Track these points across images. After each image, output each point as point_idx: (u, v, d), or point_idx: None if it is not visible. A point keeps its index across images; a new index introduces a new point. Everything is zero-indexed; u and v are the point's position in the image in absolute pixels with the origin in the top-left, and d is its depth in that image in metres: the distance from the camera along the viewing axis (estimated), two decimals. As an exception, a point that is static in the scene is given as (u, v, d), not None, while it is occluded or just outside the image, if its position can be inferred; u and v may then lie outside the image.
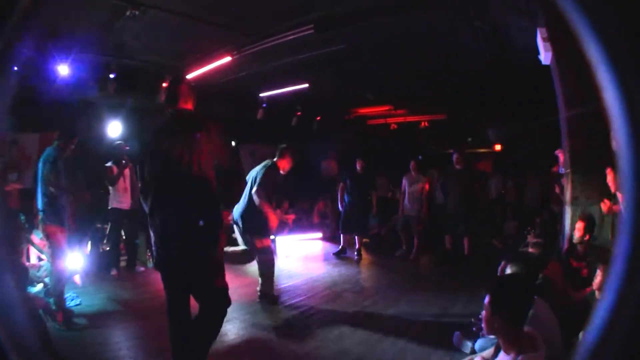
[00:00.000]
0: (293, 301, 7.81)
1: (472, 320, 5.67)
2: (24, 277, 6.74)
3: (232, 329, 6.41)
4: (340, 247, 11.91)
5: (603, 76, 1.05)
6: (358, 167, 11.54)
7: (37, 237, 8.34)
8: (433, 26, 8.21)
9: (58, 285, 6.42)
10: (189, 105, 4.38)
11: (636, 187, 1.08)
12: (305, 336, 6.23)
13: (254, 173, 7.41)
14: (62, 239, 6.51)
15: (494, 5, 7.08)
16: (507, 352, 3.10)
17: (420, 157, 12.56)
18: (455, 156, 10.96)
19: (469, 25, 7.84)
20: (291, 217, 9.72)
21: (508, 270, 4.26)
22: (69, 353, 5.53)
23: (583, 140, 6.18)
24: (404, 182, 11.70)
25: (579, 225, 6.02)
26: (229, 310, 4.35)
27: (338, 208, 11.97)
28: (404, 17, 7.55)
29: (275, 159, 7.55)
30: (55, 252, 6.55)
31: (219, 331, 4.41)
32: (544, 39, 6.15)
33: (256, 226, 7.30)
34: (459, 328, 5.73)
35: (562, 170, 7.18)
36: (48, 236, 6.50)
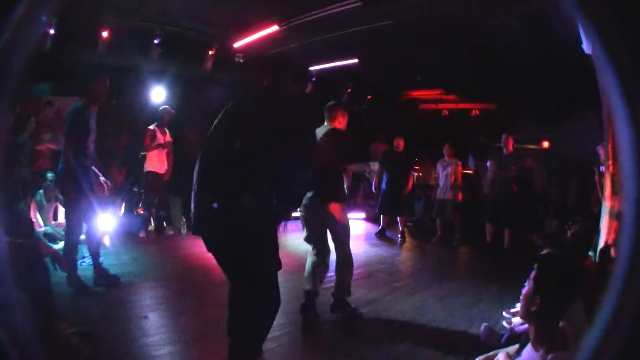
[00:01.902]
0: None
1: (504, 313, 5.45)
2: (25, 228, 6.53)
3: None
4: (380, 227, 11.75)
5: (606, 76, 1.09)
6: (397, 145, 11.30)
7: None
8: (476, 9, 7.91)
9: (71, 247, 6.26)
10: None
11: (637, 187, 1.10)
12: (323, 312, 5.94)
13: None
14: (79, 200, 6.11)
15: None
16: (535, 347, 2.79)
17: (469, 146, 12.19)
18: (503, 138, 10.49)
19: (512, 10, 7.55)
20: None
21: (532, 274, 3.89)
22: (78, 308, 5.55)
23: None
24: (439, 166, 11.52)
25: (615, 225, 5.68)
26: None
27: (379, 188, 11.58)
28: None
29: (327, 123, 6.33)
30: (67, 213, 6.54)
31: (259, 330, 3.95)
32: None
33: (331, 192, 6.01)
34: (488, 320, 5.51)
35: (602, 168, 6.80)
36: (62, 196, 6.42)
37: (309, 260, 5.93)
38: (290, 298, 5.74)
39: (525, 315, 2.88)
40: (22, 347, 1.27)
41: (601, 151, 6.83)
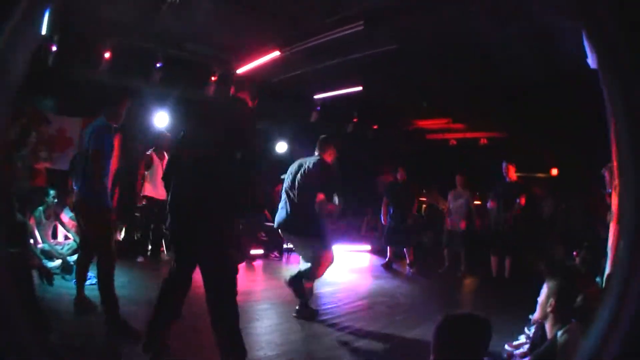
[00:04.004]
0: (321, 306, 7.55)
1: (506, 346, 5.23)
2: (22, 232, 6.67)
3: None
4: (387, 259, 11.57)
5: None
6: (399, 177, 11.35)
7: (66, 215, 8.55)
8: (478, 28, 7.82)
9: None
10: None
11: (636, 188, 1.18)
12: (319, 346, 5.89)
13: (294, 170, 6.94)
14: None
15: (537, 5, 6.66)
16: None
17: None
18: (504, 166, 10.36)
19: (516, 28, 7.41)
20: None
21: (545, 286, 3.87)
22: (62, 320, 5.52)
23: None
24: (450, 197, 11.33)
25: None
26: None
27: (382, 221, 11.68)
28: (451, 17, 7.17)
29: (318, 154, 6.98)
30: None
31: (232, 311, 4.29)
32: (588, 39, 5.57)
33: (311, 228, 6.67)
34: (490, 355, 5.25)
35: (608, 190, 6.55)
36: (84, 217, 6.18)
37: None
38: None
39: (542, 317, 3.68)
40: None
41: (606, 174, 6.57)
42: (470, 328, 2.74)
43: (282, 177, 10.69)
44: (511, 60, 8.79)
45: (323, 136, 7.14)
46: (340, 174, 7.74)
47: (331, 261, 6.75)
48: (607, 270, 5.75)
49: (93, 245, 5.93)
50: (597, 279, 5.80)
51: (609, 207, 6.42)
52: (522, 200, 10.09)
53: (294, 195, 6.70)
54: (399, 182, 11.33)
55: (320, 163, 6.78)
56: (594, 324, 1.31)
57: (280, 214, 6.84)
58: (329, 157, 6.95)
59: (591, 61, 5.90)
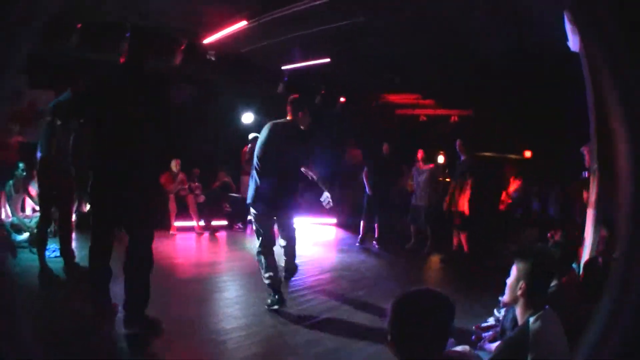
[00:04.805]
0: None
1: (473, 328, 5.19)
2: None
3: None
4: (360, 235, 11.43)
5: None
6: (384, 150, 11.24)
7: (34, 188, 8.48)
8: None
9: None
10: None
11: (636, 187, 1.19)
12: (279, 319, 5.87)
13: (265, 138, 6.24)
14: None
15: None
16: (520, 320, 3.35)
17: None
18: (458, 143, 10.31)
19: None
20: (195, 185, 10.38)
21: (514, 268, 3.72)
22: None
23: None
24: (414, 172, 11.27)
25: (602, 233, 5.44)
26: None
27: (364, 194, 11.45)
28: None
29: (290, 118, 6.33)
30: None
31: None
32: (571, 22, 5.52)
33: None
34: (455, 336, 5.21)
35: (585, 174, 6.53)
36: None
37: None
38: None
39: (511, 300, 3.40)
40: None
41: (585, 152, 6.47)
42: (429, 304, 2.53)
43: (249, 137, 10.57)
44: (484, 36, 8.77)
45: (294, 96, 6.47)
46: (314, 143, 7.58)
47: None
48: (585, 257, 5.78)
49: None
50: (574, 266, 5.67)
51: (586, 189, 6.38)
52: (469, 181, 10.07)
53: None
54: (384, 155, 11.24)
55: (292, 127, 6.29)
56: (594, 324, 1.29)
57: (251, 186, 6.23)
58: (303, 122, 6.36)
59: (572, 44, 5.89)
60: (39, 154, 6.72)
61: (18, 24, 1.36)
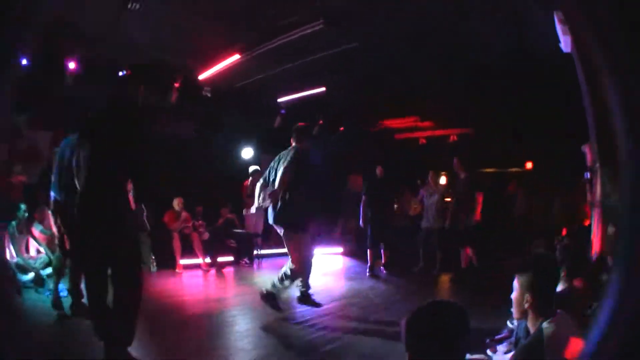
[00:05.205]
0: (289, 310, 7.48)
1: (487, 341, 5.10)
2: None
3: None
4: (369, 264, 11.13)
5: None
6: (378, 173, 11.14)
7: (37, 230, 8.50)
8: (445, 17, 7.83)
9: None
10: None
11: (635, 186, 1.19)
12: (292, 350, 5.86)
13: (275, 165, 6.84)
14: None
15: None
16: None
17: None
18: (455, 161, 10.31)
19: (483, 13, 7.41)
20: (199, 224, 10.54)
21: (515, 282, 3.68)
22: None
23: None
24: (423, 195, 11.21)
25: (611, 229, 5.40)
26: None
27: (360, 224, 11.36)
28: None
29: (294, 145, 6.90)
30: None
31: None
32: (561, 22, 5.56)
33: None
34: (470, 349, 5.16)
35: (587, 175, 6.50)
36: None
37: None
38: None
39: (521, 315, 3.41)
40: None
41: (587, 150, 6.47)
42: (442, 313, 2.47)
43: (250, 170, 10.64)
44: (476, 49, 8.80)
45: (299, 125, 7.07)
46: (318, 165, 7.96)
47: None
48: (594, 256, 5.72)
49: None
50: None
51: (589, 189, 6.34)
52: (479, 199, 10.01)
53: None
54: (378, 179, 11.14)
55: (296, 152, 6.73)
56: (594, 324, 1.26)
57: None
58: (307, 148, 6.93)
59: (564, 45, 5.92)
60: (52, 195, 6.59)
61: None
